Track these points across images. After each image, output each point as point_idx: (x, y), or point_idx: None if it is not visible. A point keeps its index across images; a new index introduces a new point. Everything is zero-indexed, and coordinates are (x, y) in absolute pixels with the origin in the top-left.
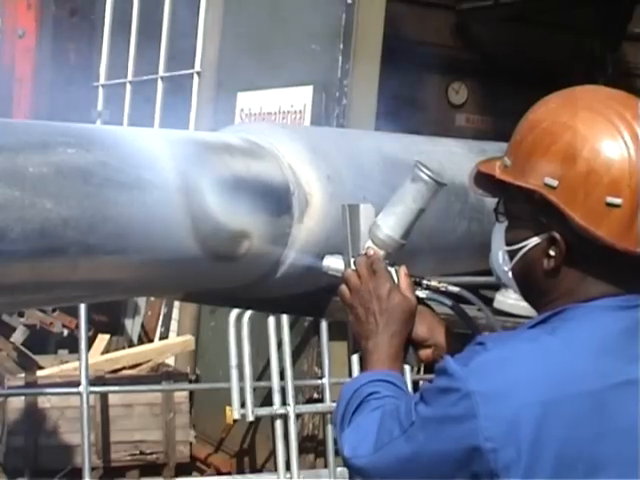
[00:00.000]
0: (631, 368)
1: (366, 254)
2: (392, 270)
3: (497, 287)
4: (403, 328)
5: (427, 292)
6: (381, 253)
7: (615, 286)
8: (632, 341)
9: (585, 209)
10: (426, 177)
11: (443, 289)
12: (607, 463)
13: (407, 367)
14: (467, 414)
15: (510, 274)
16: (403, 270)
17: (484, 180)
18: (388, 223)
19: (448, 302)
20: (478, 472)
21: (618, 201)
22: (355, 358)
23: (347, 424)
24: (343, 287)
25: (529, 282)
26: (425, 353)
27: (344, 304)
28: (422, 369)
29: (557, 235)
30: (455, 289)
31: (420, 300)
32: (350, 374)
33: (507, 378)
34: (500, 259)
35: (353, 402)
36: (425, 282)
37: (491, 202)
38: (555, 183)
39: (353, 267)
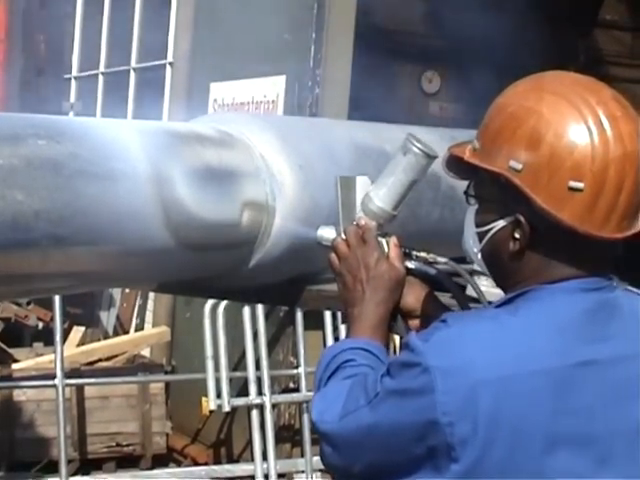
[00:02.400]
0: (590, 348)
1: (357, 224)
2: (383, 241)
3: (470, 274)
4: (389, 296)
5: (416, 263)
6: (373, 224)
7: (580, 269)
8: (592, 322)
9: (547, 192)
10: (417, 149)
11: (432, 260)
12: (564, 441)
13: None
14: (426, 388)
15: (480, 256)
16: (393, 240)
17: (455, 163)
18: (379, 195)
19: (435, 272)
20: (435, 445)
21: (580, 185)
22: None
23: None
24: (332, 255)
25: (496, 264)
26: (414, 323)
27: (333, 272)
28: None
29: (522, 218)
30: (444, 260)
31: (410, 271)
32: None
33: (465, 354)
34: (471, 241)
35: (330, 367)
36: (415, 253)
37: (462, 190)
38: (519, 166)
39: (343, 236)
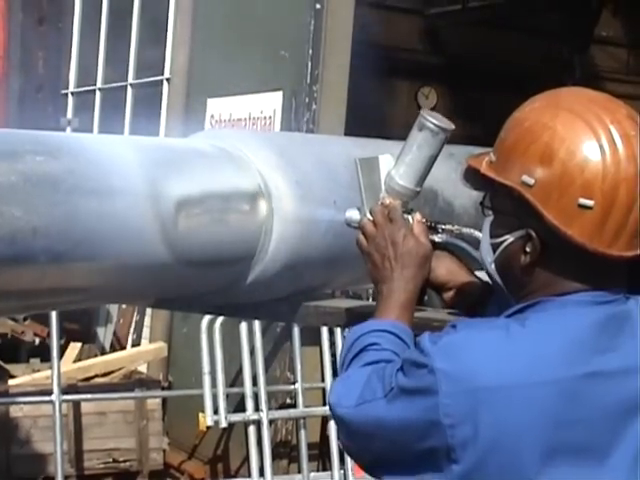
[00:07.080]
0: (598, 360)
1: (382, 204)
2: (409, 217)
3: None
4: (418, 272)
5: (443, 236)
6: (397, 202)
7: (590, 283)
8: (601, 334)
9: (558, 209)
10: (431, 125)
11: (457, 232)
12: (564, 451)
13: None
14: (430, 389)
15: (493, 266)
16: (417, 216)
17: (472, 175)
18: (400, 173)
19: (461, 244)
20: (436, 446)
21: (590, 203)
22: (327, 363)
23: (343, 372)
24: (360, 236)
25: (509, 275)
26: (448, 296)
27: (361, 252)
28: None
29: (532, 232)
30: (468, 231)
31: (437, 245)
32: (322, 379)
33: (469, 360)
34: (485, 251)
35: (354, 348)
36: (440, 226)
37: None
38: (532, 182)
39: (369, 217)
